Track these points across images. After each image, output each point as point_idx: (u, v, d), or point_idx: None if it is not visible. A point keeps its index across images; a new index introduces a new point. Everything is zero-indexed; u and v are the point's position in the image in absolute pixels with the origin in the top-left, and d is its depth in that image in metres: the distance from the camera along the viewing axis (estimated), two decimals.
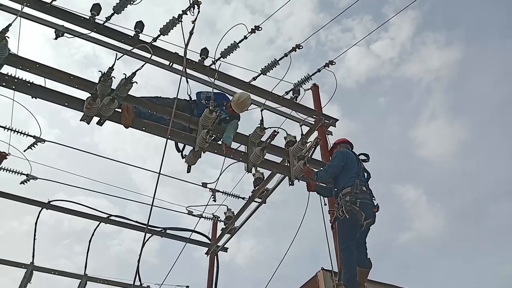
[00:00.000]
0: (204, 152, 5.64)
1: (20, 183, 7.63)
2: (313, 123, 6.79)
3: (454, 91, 30.62)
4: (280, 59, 6.31)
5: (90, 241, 8.40)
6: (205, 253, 9.61)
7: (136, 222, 8.73)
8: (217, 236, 9.38)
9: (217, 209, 9.05)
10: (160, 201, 8.85)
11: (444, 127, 31.67)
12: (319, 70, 6.67)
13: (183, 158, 5.98)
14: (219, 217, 9.58)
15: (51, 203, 8.10)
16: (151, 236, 8.86)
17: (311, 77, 6.64)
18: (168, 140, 4.98)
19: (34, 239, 7.97)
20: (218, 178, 6.54)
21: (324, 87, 8.19)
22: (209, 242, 9.53)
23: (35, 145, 6.57)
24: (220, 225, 9.35)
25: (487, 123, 28.00)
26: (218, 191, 8.18)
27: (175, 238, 9.22)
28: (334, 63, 6.62)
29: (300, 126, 6.39)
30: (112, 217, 8.56)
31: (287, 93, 6.64)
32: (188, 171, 5.91)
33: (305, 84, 6.68)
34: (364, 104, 32.46)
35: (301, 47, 6.26)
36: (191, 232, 9.22)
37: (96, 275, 8.68)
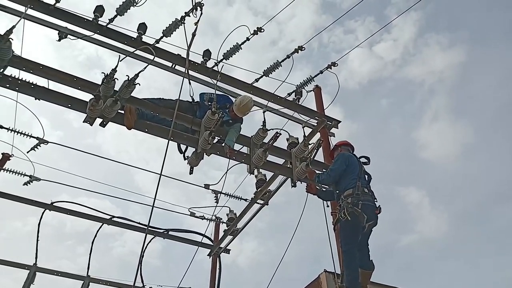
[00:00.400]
0: (208, 155, 5.67)
1: (23, 184, 7.70)
2: (316, 124, 6.78)
3: (457, 93, 30.59)
4: (283, 60, 6.32)
5: (93, 242, 8.44)
6: (208, 255, 9.62)
7: (138, 223, 8.74)
8: (220, 238, 9.39)
9: (220, 210, 9.06)
10: (162, 202, 8.89)
11: (446, 128, 31.65)
12: (321, 72, 6.67)
13: (185, 159, 5.99)
14: (221, 219, 9.59)
15: (54, 204, 8.10)
16: (153, 237, 8.88)
17: (314, 78, 6.63)
18: (170, 141, 5.01)
19: (37, 240, 7.99)
20: (220, 179, 6.55)
21: (326, 88, 8.22)
22: (212, 243, 9.54)
23: (38, 147, 6.61)
24: (223, 227, 9.38)
25: (490, 125, 27.96)
26: (221, 192, 8.18)
27: (177, 240, 9.23)
28: (336, 65, 6.61)
29: (303, 127, 6.39)
30: (114, 219, 8.58)
31: (289, 94, 6.64)
32: (191, 172, 5.92)
33: (307, 85, 6.68)
34: (367, 106, 32.54)
35: (303, 48, 6.26)
36: (194, 234, 9.26)
37: (99, 277, 8.72)
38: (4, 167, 7.52)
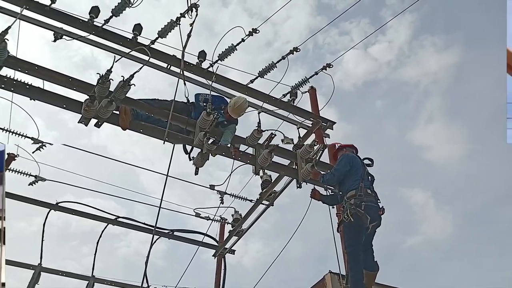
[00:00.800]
0: (214, 156, 5.70)
1: (29, 185, 7.79)
2: (310, 125, 6.76)
3: (452, 94, 30.37)
4: (278, 61, 6.25)
5: (97, 243, 8.43)
6: (213, 255, 9.60)
7: (144, 224, 8.72)
8: (225, 239, 9.38)
9: (225, 211, 9.08)
10: (167, 203, 8.88)
11: (441, 130, 31.35)
12: (316, 73, 6.61)
13: (191, 160, 5.99)
14: (226, 219, 9.60)
15: (59, 204, 8.10)
16: (158, 238, 8.89)
17: (309, 80, 6.61)
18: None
19: (42, 240, 7.99)
20: (226, 180, 6.58)
21: (321, 90, 8.18)
22: (217, 244, 9.53)
23: (43, 147, 6.67)
24: (228, 228, 9.36)
25: (485, 126, 27.64)
26: (226, 193, 8.21)
27: (183, 240, 9.22)
28: (331, 66, 6.53)
29: (298, 128, 6.42)
30: (119, 219, 8.57)
31: (284, 95, 6.63)
32: (196, 173, 5.95)
33: (302, 86, 6.67)
34: (362, 107, 32.44)
35: (298, 50, 6.21)
36: (200, 234, 9.25)
37: (104, 277, 8.72)
38: (9, 167, 7.62)
